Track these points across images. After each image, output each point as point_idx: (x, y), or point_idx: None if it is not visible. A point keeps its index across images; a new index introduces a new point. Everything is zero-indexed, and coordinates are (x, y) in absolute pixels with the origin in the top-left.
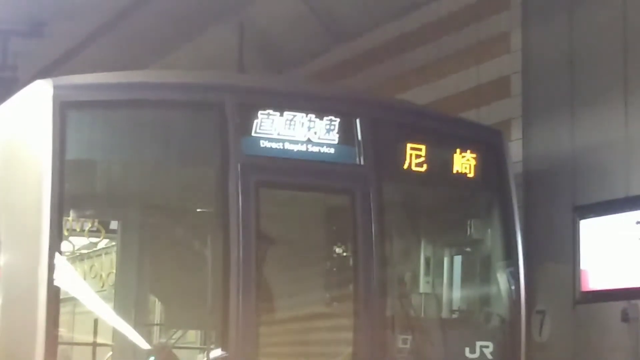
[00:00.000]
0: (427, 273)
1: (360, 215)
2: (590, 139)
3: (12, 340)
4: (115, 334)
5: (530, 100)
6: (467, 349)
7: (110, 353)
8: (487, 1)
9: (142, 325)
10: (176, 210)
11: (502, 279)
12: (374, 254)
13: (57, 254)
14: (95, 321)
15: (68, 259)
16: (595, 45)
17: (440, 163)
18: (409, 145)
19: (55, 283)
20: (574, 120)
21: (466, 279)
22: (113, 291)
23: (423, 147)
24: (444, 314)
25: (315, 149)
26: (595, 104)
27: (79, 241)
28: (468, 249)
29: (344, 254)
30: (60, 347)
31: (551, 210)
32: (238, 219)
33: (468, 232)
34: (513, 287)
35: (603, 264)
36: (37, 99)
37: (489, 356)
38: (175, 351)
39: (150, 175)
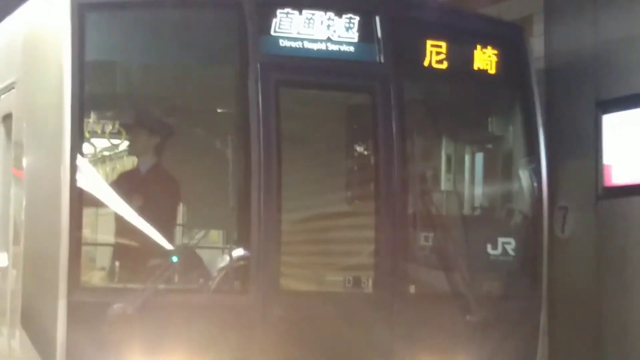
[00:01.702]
0: (448, 170)
1: (380, 113)
2: (613, 33)
3: (36, 242)
4: (139, 234)
5: None
6: (488, 246)
7: (134, 254)
8: None
9: (164, 225)
10: (196, 111)
11: (524, 175)
12: (395, 151)
13: (78, 155)
14: (119, 222)
15: (90, 161)
16: None
17: (460, 60)
18: (429, 42)
19: (78, 184)
20: (596, 15)
21: (488, 176)
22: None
23: (443, 44)
24: (466, 211)
25: (335, 47)
26: None
27: (101, 143)
28: (490, 146)
29: (365, 152)
30: (84, 248)
31: (573, 106)
32: (258, 118)
33: (489, 129)
34: (535, 184)
35: (626, 158)
36: (56, 1)
37: (511, 252)
38: (197, 251)
39: (169, 76)
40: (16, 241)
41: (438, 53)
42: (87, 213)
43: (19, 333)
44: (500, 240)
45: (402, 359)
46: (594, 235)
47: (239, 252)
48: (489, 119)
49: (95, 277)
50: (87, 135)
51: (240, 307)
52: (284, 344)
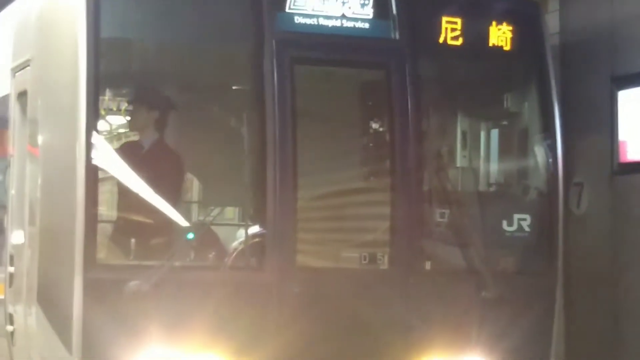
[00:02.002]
0: (463, 147)
1: (395, 89)
2: (628, 9)
3: (52, 220)
4: (154, 211)
5: None
6: (504, 222)
7: (150, 230)
8: None
9: (180, 202)
10: (211, 88)
11: (539, 151)
12: (410, 128)
13: (94, 132)
14: (134, 199)
15: (105, 138)
16: None
17: (476, 36)
18: (444, 19)
19: (93, 161)
20: None
21: (503, 152)
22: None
23: (458, 20)
24: (481, 187)
25: (350, 24)
26: None
27: (116, 120)
28: (505, 122)
29: (380, 129)
30: (100, 225)
31: (589, 82)
32: (274, 95)
33: (505, 105)
34: (550, 160)
35: None
36: None
37: (527, 229)
38: (213, 228)
39: (185, 54)
40: (32, 219)
41: (453, 29)
42: (103, 190)
43: (35, 310)
44: (516, 216)
45: (418, 335)
46: (610, 211)
47: (254, 229)
48: (505, 96)
49: (111, 254)
50: (102, 112)
51: (256, 284)
52: (300, 321)
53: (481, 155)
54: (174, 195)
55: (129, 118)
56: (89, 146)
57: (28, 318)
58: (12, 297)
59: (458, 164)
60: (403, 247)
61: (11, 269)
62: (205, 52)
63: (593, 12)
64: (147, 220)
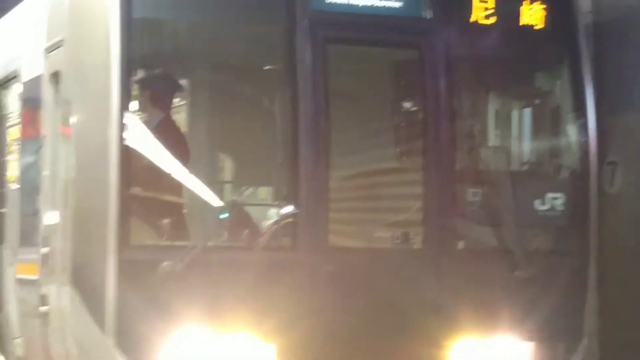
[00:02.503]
0: (496, 126)
1: (428, 69)
2: None
3: (85, 200)
4: (187, 192)
5: None
6: (537, 201)
7: (182, 211)
8: None
9: (213, 182)
10: (244, 68)
11: (572, 130)
12: (443, 107)
13: (126, 112)
14: (167, 180)
15: (138, 118)
16: None
17: (508, 15)
18: None
19: (126, 142)
20: None
21: (536, 131)
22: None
23: None
24: (514, 166)
25: (382, 3)
26: None
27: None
28: (538, 101)
29: (412, 108)
30: (133, 206)
31: (622, 61)
32: (307, 74)
33: (537, 84)
34: (583, 138)
35: None
36: None
37: (560, 208)
38: (246, 208)
39: (218, 33)
40: (65, 199)
41: (485, 9)
42: (136, 170)
43: (69, 291)
44: (549, 195)
45: (450, 315)
46: None
47: (287, 208)
48: (537, 74)
49: (144, 235)
50: (134, 92)
51: (289, 264)
52: (333, 300)
53: (514, 135)
54: (207, 176)
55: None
56: (121, 126)
57: (62, 299)
58: (46, 277)
59: (490, 143)
60: (436, 227)
61: (45, 250)
62: (237, 32)
63: None
64: (181, 201)
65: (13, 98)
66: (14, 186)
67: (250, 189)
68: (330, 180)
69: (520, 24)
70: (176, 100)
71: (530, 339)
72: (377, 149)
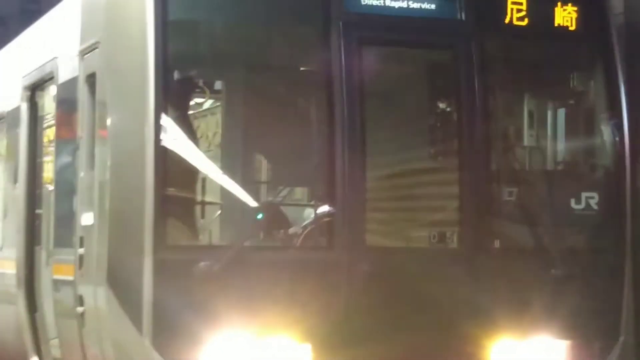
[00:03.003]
0: (531, 126)
1: (462, 70)
2: None
3: (121, 201)
4: (223, 192)
5: None
6: (572, 200)
7: (219, 211)
8: None
9: (249, 183)
10: (280, 69)
11: (605, 130)
12: (478, 108)
13: (162, 114)
14: (203, 180)
15: (174, 120)
16: None
17: (541, 16)
18: (509, 0)
19: (162, 143)
20: None
21: (570, 131)
22: (219, 151)
23: (524, 0)
24: (549, 166)
25: (417, 5)
26: None
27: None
28: (571, 102)
29: (448, 109)
30: (169, 207)
31: None
32: (342, 76)
33: (571, 85)
34: (617, 138)
35: None
36: None
37: (595, 207)
38: (282, 208)
39: (253, 35)
40: (102, 200)
41: (519, 10)
42: (172, 171)
43: (105, 291)
44: (584, 194)
45: (487, 314)
46: None
47: (324, 208)
48: (571, 75)
49: (180, 235)
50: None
51: (326, 264)
52: (370, 300)
53: (548, 135)
54: (243, 177)
55: (202, 100)
56: (158, 128)
57: (98, 299)
58: (82, 278)
59: (525, 143)
60: (472, 226)
61: (81, 251)
62: (273, 33)
63: None
64: (217, 201)
65: (49, 100)
66: (50, 187)
67: (287, 189)
68: (366, 180)
69: (554, 25)
70: (212, 102)
71: (567, 338)
72: (412, 149)
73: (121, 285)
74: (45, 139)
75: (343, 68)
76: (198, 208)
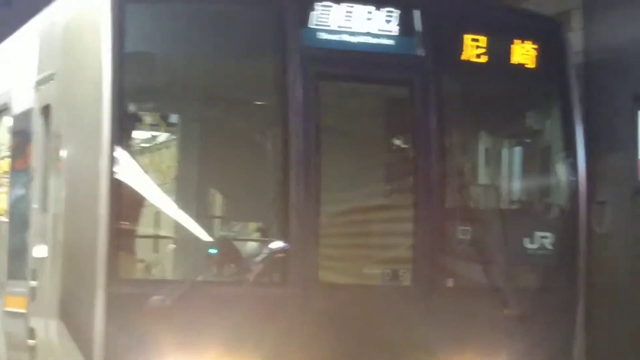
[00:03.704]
0: (486, 164)
1: (419, 106)
2: None
3: (75, 234)
4: (177, 226)
5: None
6: (526, 240)
7: (172, 245)
8: None
9: (203, 217)
10: (235, 103)
11: (561, 170)
12: (433, 145)
13: (117, 147)
14: (157, 214)
15: (128, 153)
16: None
17: (499, 54)
18: (468, 36)
19: (117, 176)
20: (635, 9)
21: (526, 170)
22: (174, 184)
23: (482, 37)
24: (504, 205)
25: (375, 40)
26: None
27: (139, 135)
28: (528, 140)
29: (404, 145)
30: (123, 240)
31: (611, 101)
32: (298, 110)
33: (528, 123)
34: (573, 178)
35: None
36: None
37: (549, 247)
38: (236, 243)
39: (209, 68)
40: (55, 232)
41: (477, 47)
42: (126, 204)
43: (57, 324)
44: (538, 234)
45: (440, 352)
46: (632, 230)
47: (277, 244)
48: (527, 113)
49: (133, 269)
50: (126, 127)
51: (279, 300)
52: (323, 336)
53: (504, 173)
54: (197, 211)
55: (158, 133)
56: (112, 160)
57: (50, 332)
58: (34, 311)
59: (480, 181)
60: (425, 264)
61: (33, 283)
62: (229, 67)
63: (616, 31)
64: (170, 235)
65: (3, 131)
66: (4, 219)
67: (241, 224)
68: (320, 216)
69: (512, 62)
70: (168, 135)
71: None
72: (368, 185)
73: (73, 318)
74: None
75: (299, 103)
76: (151, 242)
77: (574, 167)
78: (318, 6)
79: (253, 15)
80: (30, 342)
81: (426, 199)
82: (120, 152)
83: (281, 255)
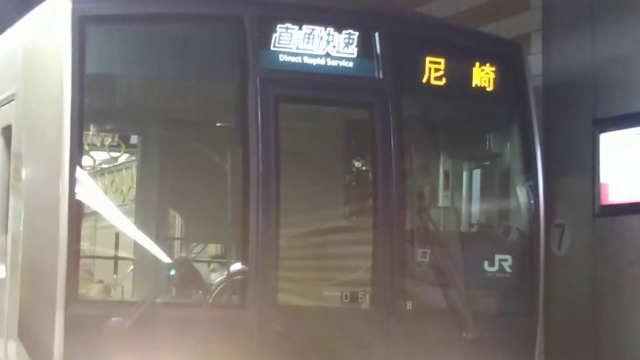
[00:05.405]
0: (446, 187)
1: (379, 129)
2: (610, 52)
3: (34, 254)
4: (136, 247)
5: (551, 13)
6: (485, 262)
7: (132, 267)
8: None
9: (162, 239)
10: (196, 125)
11: (521, 192)
12: (393, 167)
13: (78, 167)
14: (117, 235)
15: (89, 173)
16: None
17: (459, 77)
18: (428, 59)
19: (77, 197)
20: (594, 33)
21: (485, 192)
22: (134, 205)
23: (442, 60)
24: (463, 227)
25: (334, 62)
26: (616, 16)
27: (100, 156)
28: (487, 163)
29: (363, 168)
30: (82, 261)
31: (571, 124)
32: (257, 132)
33: (487, 146)
34: (532, 201)
35: (622, 177)
36: (56, 13)
37: (508, 269)
38: (195, 265)
39: (169, 90)
40: (14, 252)
41: (437, 70)
42: (86, 225)
43: (15, 345)
44: (497, 257)
45: None
46: (591, 253)
47: (236, 266)
48: (487, 136)
49: (92, 290)
50: (86, 147)
51: (238, 322)
52: (281, 359)
53: (463, 196)
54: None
55: (118, 154)
56: (72, 181)
57: (9, 353)
58: None
59: (440, 204)
60: (384, 287)
61: None
62: (189, 89)
63: (576, 55)
64: (130, 256)
65: None
66: None
67: (200, 246)
68: (280, 238)
69: (471, 85)
70: (128, 156)
71: None
72: (327, 208)
73: (32, 339)
74: None
75: (259, 125)
76: (111, 263)
77: (533, 189)
78: (278, 28)
79: (213, 37)
80: None
81: (386, 221)
82: (80, 173)
83: (240, 277)
